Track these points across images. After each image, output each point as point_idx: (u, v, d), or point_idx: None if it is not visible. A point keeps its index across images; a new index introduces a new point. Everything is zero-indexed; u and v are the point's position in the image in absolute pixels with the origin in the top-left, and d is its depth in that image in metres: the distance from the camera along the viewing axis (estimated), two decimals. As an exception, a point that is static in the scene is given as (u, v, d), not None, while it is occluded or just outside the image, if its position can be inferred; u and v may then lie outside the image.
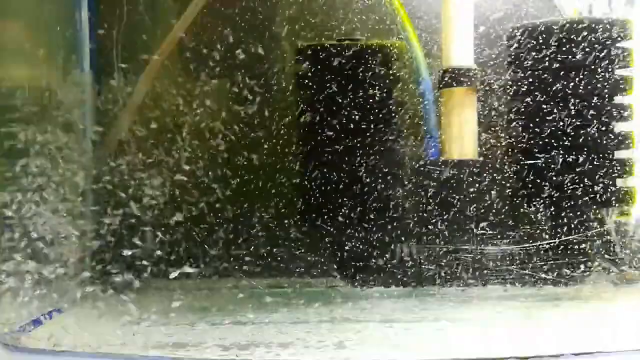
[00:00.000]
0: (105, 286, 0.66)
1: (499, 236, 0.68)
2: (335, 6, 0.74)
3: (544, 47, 0.67)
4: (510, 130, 0.69)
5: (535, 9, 0.72)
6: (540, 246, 0.68)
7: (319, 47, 0.70)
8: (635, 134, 0.68)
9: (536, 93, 0.68)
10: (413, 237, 0.69)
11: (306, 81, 0.70)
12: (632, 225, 0.69)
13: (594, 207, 0.68)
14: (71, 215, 0.67)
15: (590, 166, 0.67)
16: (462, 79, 0.69)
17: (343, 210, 0.70)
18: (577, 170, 0.67)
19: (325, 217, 0.70)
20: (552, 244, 0.68)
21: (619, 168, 0.68)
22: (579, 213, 0.68)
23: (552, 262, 0.68)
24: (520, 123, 0.69)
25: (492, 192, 0.69)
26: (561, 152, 0.67)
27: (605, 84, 0.67)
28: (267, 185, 0.73)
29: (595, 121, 0.67)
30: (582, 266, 0.68)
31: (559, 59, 0.67)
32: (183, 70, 0.74)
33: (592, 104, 0.67)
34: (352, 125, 0.69)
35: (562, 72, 0.67)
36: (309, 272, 0.72)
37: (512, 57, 0.69)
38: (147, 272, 0.66)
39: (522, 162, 0.69)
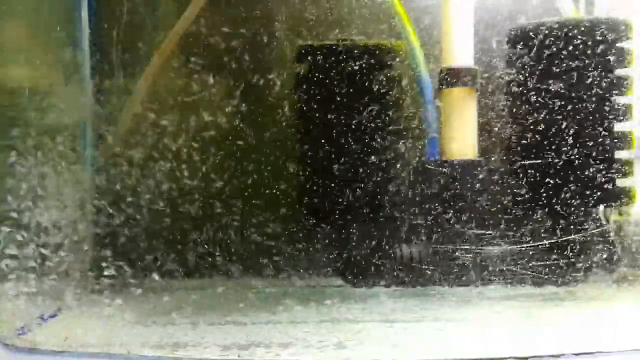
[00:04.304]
0: (105, 285, 0.66)
1: (498, 236, 0.68)
2: (335, 6, 0.74)
3: (543, 47, 0.67)
4: (509, 131, 0.70)
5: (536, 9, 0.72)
6: (540, 246, 0.68)
7: (318, 47, 0.70)
8: (636, 134, 0.68)
9: (536, 93, 0.68)
10: (413, 237, 0.69)
11: (306, 80, 0.70)
12: (631, 225, 0.69)
13: (594, 207, 0.68)
14: (71, 221, 0.67)
15: (590, 166, 0.67)
16: (462, 79, 0.69)
17: (343, 210, 0.70)
18: (577, 170, 0.67)
19: (325, 216, 0.70)
20: (552, 244, 0.68)
21: (619, 168, 0.68)
22: (578, 213, 0.68)
23: (552, 262, 0.68)
24: (519, 123, 0.69)
25: (492, 191, 0.69)
26: (561, 152, 0.67)
27: (605, 84, 0.67)
28: (267, 184, 0.73)
29: (595, 121, 0.67)
30: (582, 266, 0.68)
31: (558, 59, 0.67)
32: (181, 69, 0.74)
33: (592, 104, 0.67)
34: (351, 125, 0.69)
35: (561, 73, 0.67)
36: (309, 272, 0.72)
37: (512, 57, 0.69)
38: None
39: (521, 162, 0.69)
